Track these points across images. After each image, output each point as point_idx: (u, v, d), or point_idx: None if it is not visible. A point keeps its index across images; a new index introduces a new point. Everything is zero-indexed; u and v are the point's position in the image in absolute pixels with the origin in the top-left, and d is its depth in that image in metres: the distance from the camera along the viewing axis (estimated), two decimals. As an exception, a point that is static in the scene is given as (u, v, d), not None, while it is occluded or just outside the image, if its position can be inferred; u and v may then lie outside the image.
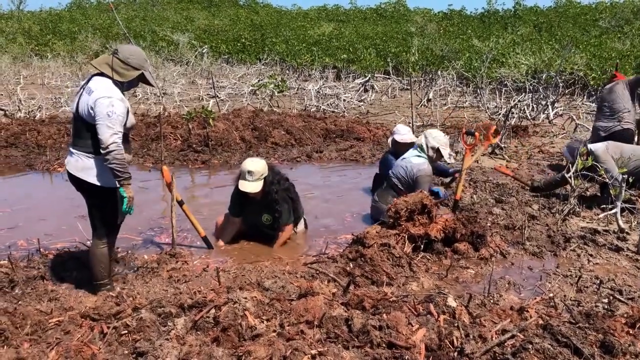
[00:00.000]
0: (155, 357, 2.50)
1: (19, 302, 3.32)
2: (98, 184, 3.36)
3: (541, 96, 11.65)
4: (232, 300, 2.89)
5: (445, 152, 5.19)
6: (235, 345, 2.62)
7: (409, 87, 13.52)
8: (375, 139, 8.91)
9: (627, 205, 4.85)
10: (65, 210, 5.26)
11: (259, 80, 13.59)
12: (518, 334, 2.76)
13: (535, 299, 3.52)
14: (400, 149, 5.67)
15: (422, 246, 4.24)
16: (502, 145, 8.11)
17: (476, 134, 5.85)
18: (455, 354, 2.60)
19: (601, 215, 4.97)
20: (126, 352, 2.70)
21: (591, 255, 4.33)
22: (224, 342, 2.64)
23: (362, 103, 12.79)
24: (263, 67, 18.38)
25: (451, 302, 3.05)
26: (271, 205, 4.47)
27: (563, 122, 10.32)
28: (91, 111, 3.21)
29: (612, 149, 5.32)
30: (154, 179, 6.72)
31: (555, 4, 29.30)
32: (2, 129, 8.20)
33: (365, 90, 14.31)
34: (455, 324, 2.81)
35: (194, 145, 7.92)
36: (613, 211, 4.73)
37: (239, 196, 4.53)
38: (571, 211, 5.18)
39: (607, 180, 4.88)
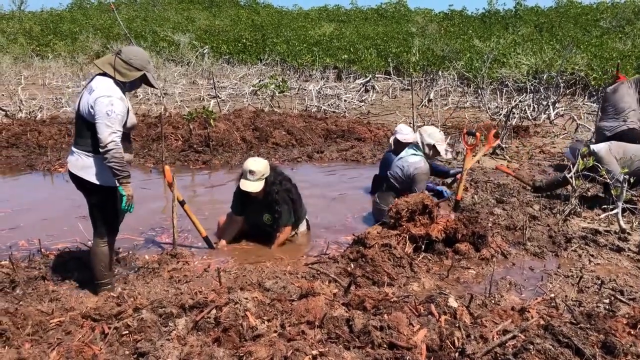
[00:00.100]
0: (156, 358, 2.50)
1: (20, 303, 3.32)
2: (97, 182, 3.38)
3: (542, 96, 11.64)
4: (233, 301, 2.89)
5: (442, 148, 5.13)
6: (236, 345, 2.62)
7: (409, 88, 13.53)
8: (376, 140, 8.91)
9: (628, 205, 4.84)
10: (66, 211, 5.27)
11: (259, 81, 13.59)
12: (519, 334, 2.76)
13: (537, 299, 3.51)
14: (402, 148, 5.66)
15: (423, 247, 4.23)
16: (503, 146, 8.11)
17: (477, 134, 5.84)
18: (457, 354, 2.60)
19: (602, 216, 4.96)
20: (127, 352, 2.70)
21: (592, 255, 4.33)
22: (225, 343, 2.64)
23: (363, 103, 12.79)
24: (264, 67, 18.38)
25: (452, 302, 3.05)
26: (272, 205, 4.47)
27: (564, 123, 10.32)
28: (91, 110, 3.24)
29: (615, 149, 5.30)
30: (155, 179, 6.73)
31: (556, 4, 29.34)
32: (3, 129, 8.21)
33: (366, 91, 14.31)
34: (457, 325, 2.81)
35: (195, 146, 7.92)
36: (614, 211, 4.72)
37: (240, 195, 4.53)
38: (572, 211, 5.17)
39: (609, 181, 4.87)
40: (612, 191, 4.80)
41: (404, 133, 5.85)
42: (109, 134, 3.18)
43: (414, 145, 5.21)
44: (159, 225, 5.08)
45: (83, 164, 3.37)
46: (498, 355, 2.60)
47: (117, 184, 3.33)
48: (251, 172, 4.31)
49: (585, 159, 5.12)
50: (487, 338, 2.73)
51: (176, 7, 32.63)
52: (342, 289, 3.38)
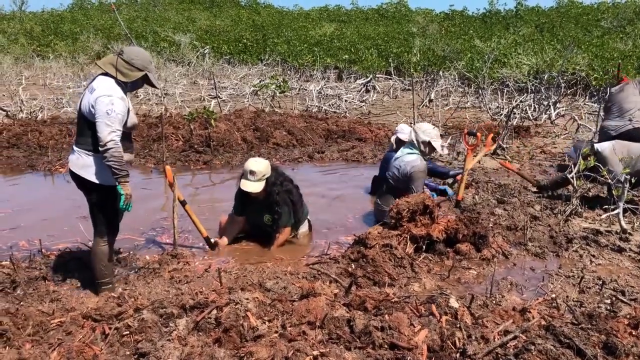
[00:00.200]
0: (157, 358, 2.50)
1: (21, 303, 3.33)
2: (97, 181, 3.40)
3: (543, 96, 11.64)
4: (234, 301, 2.89)
5: (437, 144, 5.08)
6: (237, 346, 2.62)
7: (410, 88, 13.53)
8: (376, 140, 8.91)
9: (629, 205, 4.84)
10: (66, 211, 5.27)
11: (260, 81, 13.59)
12: (520, 334, 2.76)
13: (538, 299, 3.50)
14: (403, 147, 5.66)
15: (424, 247, 4.23)
16: (504, 146, 8.11)
17: (478, 134, 5.84)
18: (458, 354, 2.60)
19: (604, 216, 4.95)
20: (128, 352, 2.70)
21: (593, 256, 4.32)
22: (225, 343, 2.64)
23: (363, 103, 12.78)
24: (264, 67, 18.39)
25: (453, 302, 3.04)
26: (273, 206, 4.47)
27: (565, 123, 10.31)
28: (92, 109, 3.26)
29: (619, 148, 5.29)
30: (156, 179, 6.73)
31: (557, 4, 29.34)
32: (4, 129, 8.21)
33: (367, 91, 14.31)
34: (458, 325, 2.81)
35: (196, 146, 7.92)
36: (615, 212, 4.71)
37: (241, 196, 4.53)
38: (573, 212, 5.16)
39: (610, 181, 4.87)
40: (613, 191, 4.79)
41: (405, 132, 5.85)
42: (109, 133, 3.20)
43: (409, 144, 5.16)
44: (160, 225, 5.07)
45: (83, 163, 3.39)
46: (499, 355, 2.60)
47: (116, 183, 3.34)
48: (252, 172, 4.30)
49: (586, 160, 5.11)
50: (488, 338, 2.73)
51: (177, 7, 32.64)
52: (343, 290, 3.38)
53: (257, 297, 2.99)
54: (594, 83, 13.08)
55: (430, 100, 12.71)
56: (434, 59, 17.01)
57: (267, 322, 2.79)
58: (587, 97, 13.21)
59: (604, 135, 5.80)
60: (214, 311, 2.85)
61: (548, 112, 10.82)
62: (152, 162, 7.38)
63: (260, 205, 4.53)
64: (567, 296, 3.58)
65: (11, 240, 4.59)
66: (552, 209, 5.37)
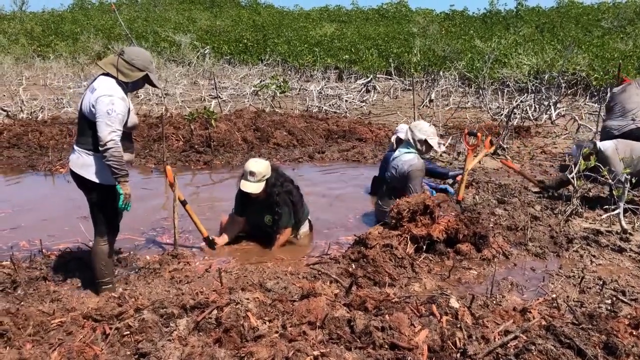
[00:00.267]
0: (157, 358, 2.50)
1: (22, 303, 3.33)
2: (97, 181, 3.41)
3: (543, 97, 11.63)
4: (235, 301, 2.89)
5: (434, 141, 5.04)
6: (238, 346, 2.62)
7: (411, 88, 13.53)
8: (377, 140, 8.91)
9: (630, 206, 4.83)
10: (67, 211, 5.27)
11: (261, 81, 13.59)
12: (521, 335, 2.76)
13: (538, 299, 3.50)
14: (403, 147, 5.65)
15: (424, 247, 4.23)
16: (505, 146, 8.11)
17: (478, 134, 5.84)
18: (458, 355, 2.60)
19: (604, 216, 4.95)
20: (128, 353, 2.70)
21: (594, 256, 4.32)
22: (226, 343, 2.64)
23: (364, 104, 12.78)
24: (265, 67, 18.39)
25: (454, 303, 3.04)
26: (273, 206, 4.47)
27: (565, 123, 10.31)
28: (93, 109, 3.28)
29: (621, 147, 5.30)
30: (156, 179, 6.73)
31: (557, 4, 29.34)
32: (4, 129, 8.21)
33: (367, 91, 14.31)
34: (458, 325, 2.81)
35: (196, 146, 7.93)
36: (616, 212, 4.71)
37: (242, 196, 4.53)
38: (574, 212, 5.16)
39: (610, 181, 4.86)
40: (613, 191, 4.79)
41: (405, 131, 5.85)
42: (109, 132, 3.22)
43: (406, 143, 5.13)
44: (160, 225, 5.08)
45: (83, 162, 3.40)
46: (500, 355, 2.60)
47: (116, 183, 3.35)
48: (251, 173, 4.30)
49: (587, 159, 5.10)
50: (489, 339, 2.73)
51: (177, 7, 32.67)
52: (344, 290, 3.38)
53: (258, 297, 2.99)
54: (594, 83, 13.08)
55: (431, 101, 12.71)
56: (435, 59, 17.01)
57: (267, 322, 2.79)
58: (588, 97, 13.21)
59: (606, 135, 5.81)
60: (215, 311, 2.85)
61: (548, 112, 10.82)
62: (152, 162, 7.39)
63: (260, 206, 4.53)
64: (568, 296, 3.58)
65: (12, 241, 4.59)
66: (552, 209, 5.37)
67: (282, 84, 11.94)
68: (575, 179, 5.19)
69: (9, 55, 18.80)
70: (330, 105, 11.88)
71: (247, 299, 2.92)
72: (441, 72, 15.49)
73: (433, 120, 10.26)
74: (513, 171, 6.66)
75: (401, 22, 28.52)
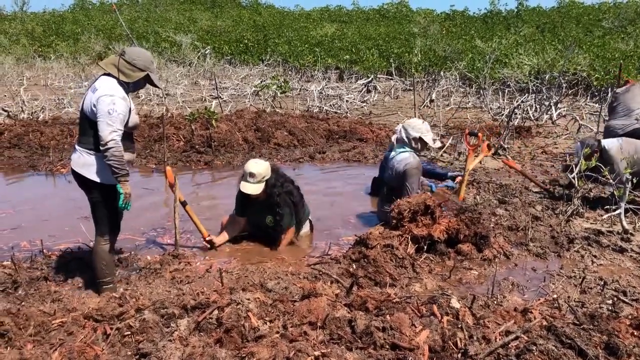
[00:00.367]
0: (158, 359, 2.50)
1: (22, 303, 3.33)
2: (98, 180, 3.42)
3: (544, 97, 11.63)
4: (235, 302, 2.89)
5: (428, 137, 5.01)
6: (239, 346, 2.62)
7: (411, 88, 13.53)
8: (378, 140, 8.90)
9: (631, 206, 4.83)
10: (68, 211, 5.27)
11: (261, 81, 13.60)
12: (522, 335, 2.75)
13: (539, 300, 3.50)
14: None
15: (425, 247, 4.23)
16: (506, 146, 8.10)
17: (479, 134, 5.84)
18: (459, 355, 2.60)
19: (605, 216, 4.95)
20: (129, 353, 2.70)
21: (595, 256, 4.32)
22: (227, 344, 2.64)
23: (364, 104, 12.78)
24: (266, 68, 18.40)
25: (455, 303, 3.04)
26: (274, 207, 4.46)
27: (566, 123, 10.30)
28: (94, 108, 3.29)
29: (626, 146, 5.31)
30: (157, 179, 6.73)
31: (558, 4, 29.32)
32: (5, 130, 8.22)
33: (368, 91, 14.31)
34: (459, 325, 2.80)
35: (197, 146, 7.93)
36: (617, 212, 4.71)
37: (242, 197, 4.53)
38: (575, 212, 5.16)
39: (611, 181, 4.86)
40: (615, 192, 4.79)
41: None
42: (110, 132, 3.23)
43: (400, 143, 5.09)
44: (161, 225, 5.07)
45: (84, 162, 3.41)
46: (501, 356, 2.60)
47: (116, 182, 3.36)
48: (251, 174, 4.30)
49: (588, 160, 5.10)
50: (490, 339, 2.73)
51: (178, 7, 32.70)
52: (344, 290, 3.38)
53: (259, 298, 2.99)
54: (595, 83, 13.07)
55: (432, 101, 12.70)
56: (435, 59, 17.01)
57: (268, 323, 2.79)
58: (589, 98, 13.20)
59: (609, 134, 5.82)
60: (215, 311, 2.85)
61: (549, 113, 10.81)
62: (153, 163, 7.39)
63: (261, 207, 4.53)
64: (569, 296, 3.58)
65: (12, 241, 4.59)
66: (553, 209, 5.37)
67: (282, 84, 11.95)
68: (576, 179, 5.19)
69: (10, 55, 18.83)
70: (331, 105, 11.89)
71: (248, 299, 2.92)
72: (442, 72, 15.50)
73: (434, 120, 10.26)
74: (515, 171, 6.66)
75: (402, 22, 28.52)
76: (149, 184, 6.46)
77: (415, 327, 2.77)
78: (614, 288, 3.71)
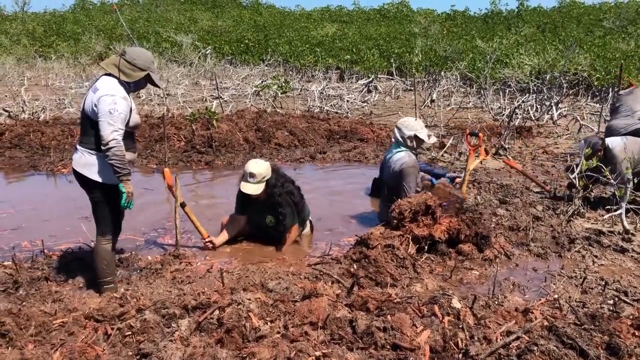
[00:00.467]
0: (159, 359, 2.50)
1: (23, 303, 3.33)
2: (100, 180, 3.42)
3: (545, 97, 11.62)
4: (236, 302, 2.89)
5: (423, 134, 4.98)
6: (239, 346, 2.62)
7: (412, 88, 13.54)
8: (378, 140, 8.91)
9: (632, 206, 4.82)
10: (69, 212, 5.27)
11: (262, 81, 13.60)
12: (523, 335, 2.75)
13: (540, 300, 3.50)
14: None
15: (426, 247, 4.22)
16: (506, 146, 8.10)
17: (480, 134, 5.84)
18: (460, 355, 2.59)
19: (606, 217, 4.94)
20: (130, 353, 2.70)
21: (596, 256, 4.31)
22: (228, 344, 2.64)
23: (365, 104, 12.79)
24: (266, 68, 18.40)
25: (455, 303, 3.04)
26: (274, 207, 4.46)
27: (567, 123, 10.30)
28: (95, 108, 3.30)
29: (630, 145, 5.32)
30: (158, 179, 6.72)
31: (559, 4, 29.33)
32: (6, 130, 8.22)
33: (369, 91, 14.31)
34: (460, 326, 2.80)
35: (198, 146, 7.93)
36: (618, 212, 4.71)
37: (242, 197, 4.53)
38: (576, 212, 5.15)
39: (612, 180, 4.86)
40: (616, 192, 4.78)
41: None
42: (111, 132, 3.24)
43: (396, 143, 5.07)
44: (162, 226, 5.08)
45: (86, 162, 3.42)
46: (502, 356, 2.60)
47: (118, 181, 3.36)
48: (251, 174, 4.30)
49: (589, 160, 5.10)
50: (491, 339, 2.73)
51: (179, 7, 32.71)
52: (345, 290, 3.38)
53: (259, 298, 2.98)
54: (596, 83, 13.07)
55: (432, 101, 12.70)
56: (436, 60, 17.02)
57: (269, 323, 2.79)
58: (589, 98, 13.20)
59: (611, 134, 5.82)
60: (216, 312, 2.85)
61: (550, 113, 10.81)
62: (154, 163, 7.39)
63: (261, 207, 4.53)
64: (570, 297, 3.58)
65: (13, 241, 4.59)
66: (554, 210, 5.36)
67: (283, 84, 11.95)
68: (577, 179, 5.18)
69: (11, 55, 18.84)
70: (331, 105, 11.89)
71: (249, 299, 2.92)
72: (442, 73, 15.50)
73: (434, 120, 10.26)
74: (515, 171, 6.65)
75: (402, 22, 28.52)
76: (149, 184, 6.46)
77: (417, 328, 2.77)
78: (615, 288, 3.70)
